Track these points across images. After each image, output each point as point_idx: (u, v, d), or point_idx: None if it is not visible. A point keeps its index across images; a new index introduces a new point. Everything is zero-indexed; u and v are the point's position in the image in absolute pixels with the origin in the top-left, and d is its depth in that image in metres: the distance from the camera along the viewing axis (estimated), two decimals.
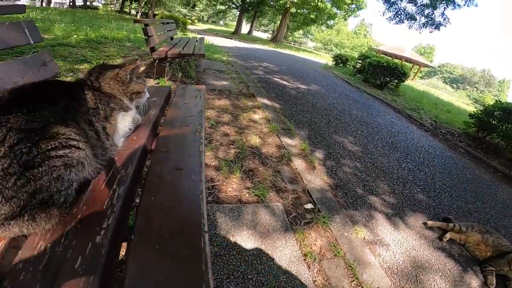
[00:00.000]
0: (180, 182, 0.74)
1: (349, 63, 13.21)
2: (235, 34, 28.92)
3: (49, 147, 0.56)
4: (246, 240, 1.56)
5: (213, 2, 31.53)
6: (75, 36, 5.52)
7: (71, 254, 0.50)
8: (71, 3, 25.62)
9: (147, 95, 1.02)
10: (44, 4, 26.38)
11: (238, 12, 33.29)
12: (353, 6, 26.18)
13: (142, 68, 4.17)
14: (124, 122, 0.88)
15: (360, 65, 11.25)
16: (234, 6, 32.73)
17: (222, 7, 35.28)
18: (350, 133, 3.94)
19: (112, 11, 27.30)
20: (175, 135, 0.99)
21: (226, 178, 2.05)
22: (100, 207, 0.61)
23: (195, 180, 0.75)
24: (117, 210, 0.61)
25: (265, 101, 4.22)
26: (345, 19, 29.43)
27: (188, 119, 1.13)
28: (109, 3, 34.44)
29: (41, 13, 9.43)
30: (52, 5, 28.19)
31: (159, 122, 1.12)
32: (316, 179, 2.38)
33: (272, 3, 27.62)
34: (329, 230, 1.81)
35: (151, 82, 3.63)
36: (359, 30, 63.76)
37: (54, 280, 0.45)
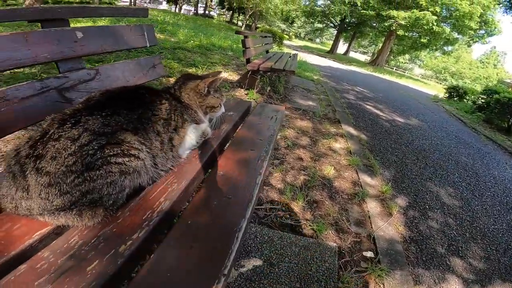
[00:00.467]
0: (224, 211, 0.68)
1: (467, 97, 11.06)
2: (331, 53, 28.50)
3: (111, 153, 0.59)
4: (284, 273, 1.38)
5: (311, 19, 31.84)
6: (192, 41, 6.53)
7: (91, 256, 0.50)
8: (195, 11, 31.05)
9: (222, 110, 1.02)
10: (176, 10, 32.73)
11: (335, 31, 32.75)
12: (482, 31, 21.64)
13: (235, 78, 4.54)
14: (193, 135, 0.90)
15: (483, 101, 9.15)
16: (332, 25, 32.37)
17: (320, 25, 35.40)
18: (450, 183, 3.17)
19: (223, 21, 31.40)
20: (238, 158, 0.95)
21: (286, 204, 1.92)
22: (140, 217, 0.61)
23: (239, 214, 0.67)
24: (153, 223, 0.60)
25: (351, 129, 3.88)
26: (469, 46, 24.73)
27: (257, 142, 1.08)
28: (222, 13, 39.77)
29: (173, 18, 11.63)
30: (182, 11, 34.54)
31: (228, 140, 1.12)
32: (389, 228, 1.99)
33: (374, 24, 25.78)
34: (382, 285, 1.48)
35: (241, 92, 3.87)
36: (487, 59, 52.73)
37: (59, 276, 0.46)
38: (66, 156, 0.55)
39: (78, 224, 0.57)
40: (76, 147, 0.56)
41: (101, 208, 0.58)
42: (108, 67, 1.19)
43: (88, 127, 0.59)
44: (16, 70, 2.55)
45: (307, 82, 6.44)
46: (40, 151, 0.55)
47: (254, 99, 3.70)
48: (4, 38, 0.86)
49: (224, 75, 4.50)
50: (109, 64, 1.20)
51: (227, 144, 1.04)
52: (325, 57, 20.75)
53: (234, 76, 4.67)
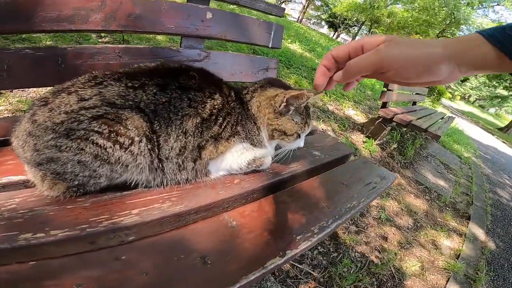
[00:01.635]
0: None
1: None
2: (504, 131, 21.53)
3: (97, 130, 0.50)
4: None
5: (495, 82, 24.87)
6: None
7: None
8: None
9: (301, 143, 0.77)
10: (334, 36, 33.41)
11: None
12: None
13: (360, 120, 4.04)
14: (240, 157, 0.68)
15: None
16: None
17: (505, 93, 27.08)
18: None
19: None
20: (274, 215, 0.67)
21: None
22: (86, 218, 0.49)
23: None
24: (85, 233, 0.45)
25: (479, 232, 2.70)
26: None
27: (320, 208, 0.76)
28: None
29: (324, 40, 11.82)
30: (338, 39, 34.81)
31: (285, 185, 0.83)
32: None
33: None
34: None
35: (358, 137, 3.37)
36: None
37: None
38: (60, 112, 0.49)
39: (38, 187, 0.52)
40: (76, 108, 0.49)
41: (63, 184, 0.51)
42: (220, 54, 1.16)
43: (104, 92, 0.52)
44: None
45: (451, 157, 5.02)
46: (50, 99, 0.49)
47: (369, 150, 3.13)
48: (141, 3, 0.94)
49: (350, 112, 4.06)
50: (222, 51, 1.17)
51: (278, 191, 0.77)
52: (493, 135, 15.79)
53: (360, 117, 4.15)
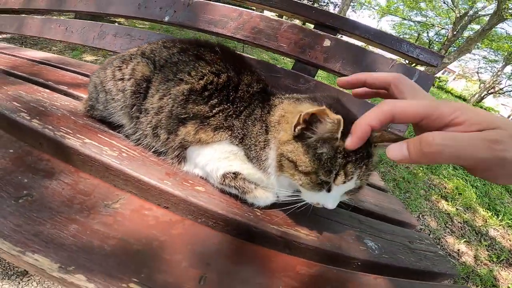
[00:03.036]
0: None
1: None
2: None
3: (115, 64, 0.59)
4: None
5: None
6: None
7: None
8: None
9: (327, 201, 0.45)
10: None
11: None
12: None
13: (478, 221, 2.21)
14: (219, 160, 0.49)
15: None
16: None
17: None
18: None
19: None
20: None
21: None
22: None
23: None
24: None
25: None
26: None
27: None
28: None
29: None
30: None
31: (268, 240, 0.48)
32: None
33: None
34: None
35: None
36: None
37: None
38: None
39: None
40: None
41: (86, 103, 0.63)
42: (326, 86, 0.99)
43: (149, 47, 0.61)
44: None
45: None
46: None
47: None
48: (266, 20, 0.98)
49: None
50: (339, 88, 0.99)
51: (252, 242, 0.47)
52: None
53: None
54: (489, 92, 18.78)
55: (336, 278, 0.44)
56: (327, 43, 0.94)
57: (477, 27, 10.58)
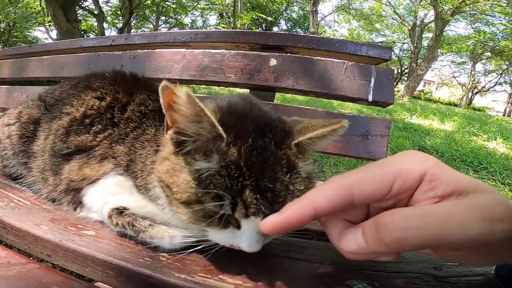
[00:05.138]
0: None
1: None
2: None
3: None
4: None
5: None
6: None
7: None
8: None
9: (236, 240, 0.33)
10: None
11: None
12: None
13: None
14: (105, 195, 0.40)
15: None
16: None
17: None
18: None
19: None
20: None
21: None
22: None
23: None
24: None
25: None
26: None
27: None
28: None
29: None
30: None
31: None
32: None
33: None
34: None
35: None
36: None
37: None
38: None
39: None
40: None
41: None
42: (285, 107, 0.91)
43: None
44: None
45: None
46: None
47: None
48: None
49: None
50: (299, 105, 0.91)
51: None
52: None
53: None
54: (475, 92, 19.41)
55: None
56: (273, 62, 0.89)
57: (430, 34, 11.40)
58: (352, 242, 0.25)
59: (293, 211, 0.25)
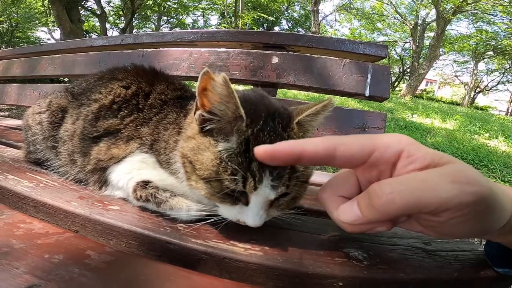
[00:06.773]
0: None
1: None
2: None
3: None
4: None
5: None
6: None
7: None
8: None
9: (241, 214, 0.39)
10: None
11: None
12: None
13: None
14: (130, 171, 0.45)
15: None
16: None
17: None
18: None
19: None
20: None
21: None
22: None
23: None
24: None
25: None
26: None
27: None
28: None
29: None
30: None
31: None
32: None
33: None
34: None
35: None
36: None
37: None
38: None
39: None
40: None
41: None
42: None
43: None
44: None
45: None
46: None
47: None
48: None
49: None
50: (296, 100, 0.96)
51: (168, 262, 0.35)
52: None
53: None
54: (477, 91, 19.33)
55: None
56: (275, 60, 0.94)
57: (432, 34, 11.40)
58: (349, 213, 0.29)
59: (284, 144, 0.30)
